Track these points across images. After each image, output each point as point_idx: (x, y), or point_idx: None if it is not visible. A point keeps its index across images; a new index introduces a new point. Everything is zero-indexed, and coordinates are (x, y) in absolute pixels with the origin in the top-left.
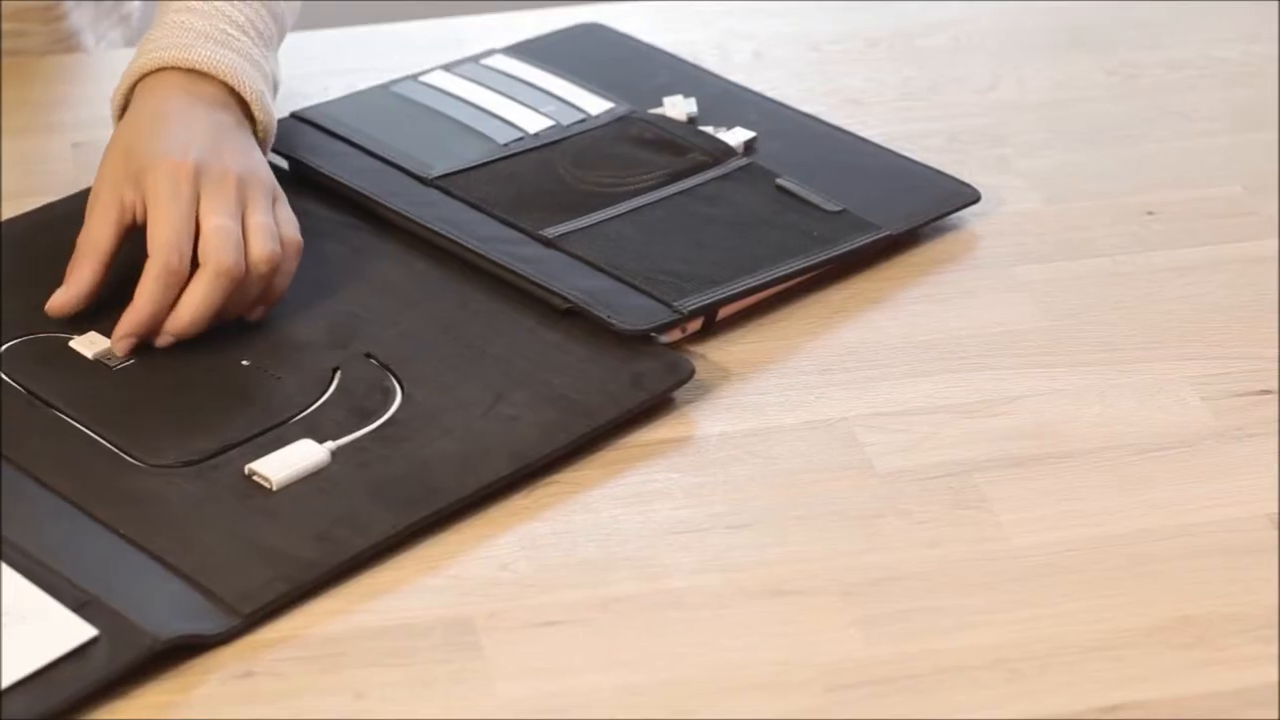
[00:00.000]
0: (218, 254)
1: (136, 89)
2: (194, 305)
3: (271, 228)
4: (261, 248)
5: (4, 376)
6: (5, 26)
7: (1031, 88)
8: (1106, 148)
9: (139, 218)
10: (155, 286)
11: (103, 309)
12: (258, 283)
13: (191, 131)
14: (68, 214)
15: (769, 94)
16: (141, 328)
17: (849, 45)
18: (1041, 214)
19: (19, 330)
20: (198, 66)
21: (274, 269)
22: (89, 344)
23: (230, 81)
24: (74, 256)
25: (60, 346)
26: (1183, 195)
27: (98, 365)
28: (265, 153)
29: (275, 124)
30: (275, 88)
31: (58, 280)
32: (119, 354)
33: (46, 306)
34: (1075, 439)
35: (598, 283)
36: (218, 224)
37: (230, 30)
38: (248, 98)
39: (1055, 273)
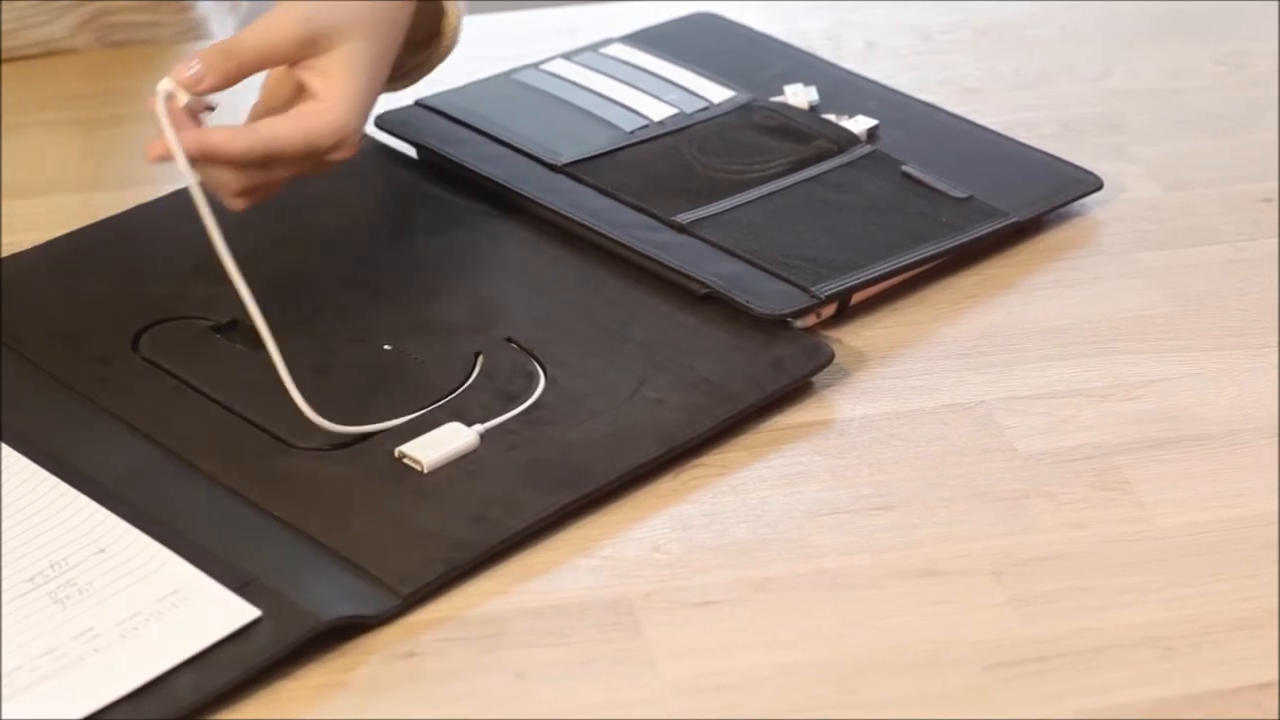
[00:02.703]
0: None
1: None
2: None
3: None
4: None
5: (147, 360)
6: (140, 18)
7: (1142, 77)
8: (1221, 136)
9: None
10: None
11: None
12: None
13: (376, 83)
14: None
15: (884, 83)
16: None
17: (959, 35)
18: (1160, 201)
19: (158, 315)
20: None
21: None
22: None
23: None
24: (221, 47)
25: (201, 332)
26: None
27: (238, 350)
28: (431, 67)
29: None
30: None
31: (189, 265)
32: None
33: (171, 75)
34: (1211, 422)
35: (733, 268)
36: (284, 179)
37: None
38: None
39: (1178, 259)
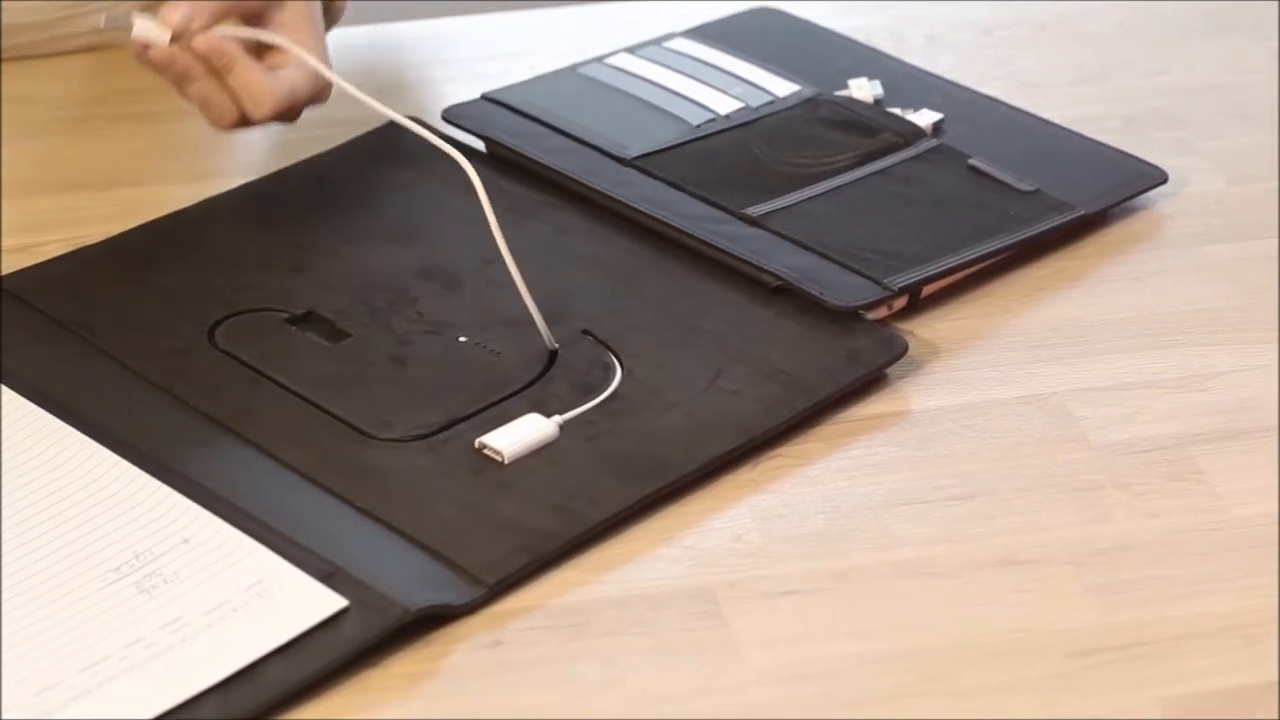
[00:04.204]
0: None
1: None
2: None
3: None
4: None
5: (224, 352)
6: None
7: (1201, 71)
8: None
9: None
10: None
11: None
12: None
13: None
14: (268, 193)
15: (945, 78)
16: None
17: (1018, 30)
18: (1225, 195)
19: (233, 307)
20: None
21: None
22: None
23: None
24: None
25: (277, 324)
26: None
27: (315, 341)
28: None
29: None
30: None
31: (262, 257)
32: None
33: (160, 19)
34: None
35: (805, 261)
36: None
37: None
38: None
39: (1243, 252)
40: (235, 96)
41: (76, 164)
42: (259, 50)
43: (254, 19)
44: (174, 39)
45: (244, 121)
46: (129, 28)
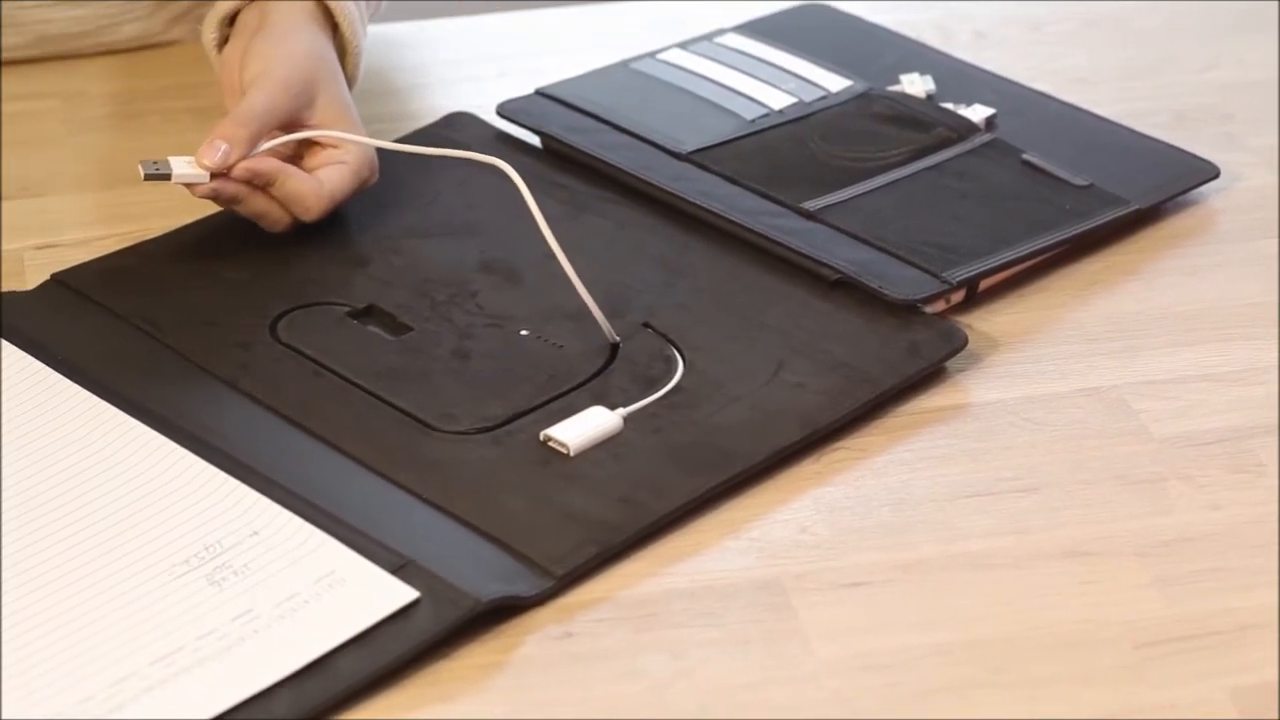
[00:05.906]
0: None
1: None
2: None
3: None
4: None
5: (286, 345)
6: None
7: (1249, 68)
8: None
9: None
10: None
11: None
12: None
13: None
14: None
15: (995, 73)
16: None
17: (1067, 26)
18: (1275, 190)
19: (294, 300)
20: None
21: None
22: (187, 164)
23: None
24: (234, 118)
25: (338, 317)
26: None
27: (375, 335)
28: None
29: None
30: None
31: (322, 250)
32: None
33: (199, 159)
34: None
35: (863, 254)
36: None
37: None
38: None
39: None
40: (284, 206)
41: (134, 158)
42: (301, 147)
43: (293, 125)
44: (214, 176)
45: (298, 223)
46: (169, 174)
